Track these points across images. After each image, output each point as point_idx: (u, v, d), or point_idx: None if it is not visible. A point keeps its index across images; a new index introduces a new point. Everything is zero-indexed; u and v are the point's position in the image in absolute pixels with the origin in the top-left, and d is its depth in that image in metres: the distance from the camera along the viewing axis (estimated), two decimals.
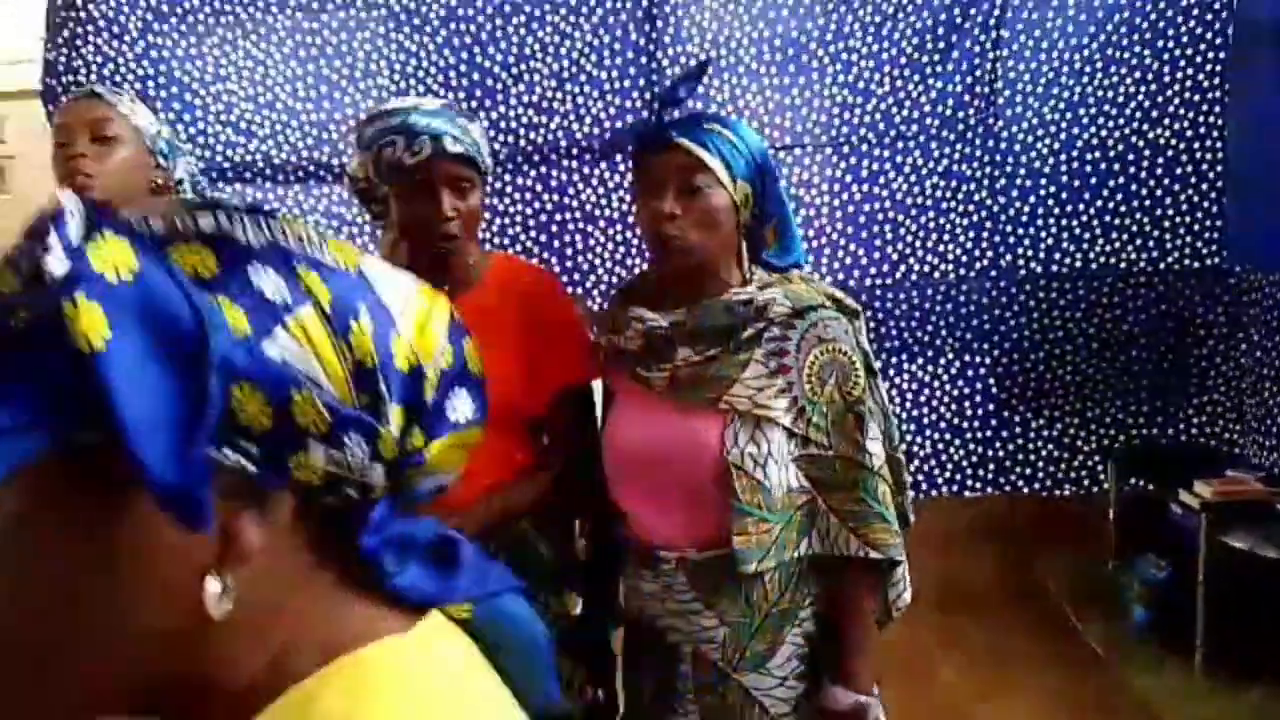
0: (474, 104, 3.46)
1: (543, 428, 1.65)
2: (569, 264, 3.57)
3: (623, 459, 1.51)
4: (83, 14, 3.37)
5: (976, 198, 3.52)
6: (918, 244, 3.58)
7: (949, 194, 3.54)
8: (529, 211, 3.56)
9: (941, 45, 3.46)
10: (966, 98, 3.48)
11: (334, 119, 3.44)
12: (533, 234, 3.56)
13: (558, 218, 3.56)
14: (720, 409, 1.40)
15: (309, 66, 3.44)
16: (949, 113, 3.49)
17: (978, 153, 3.50)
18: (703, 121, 1.44)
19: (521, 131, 3.51)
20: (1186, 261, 3.50)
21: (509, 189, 3.54)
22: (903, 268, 3.60)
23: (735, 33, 3.49)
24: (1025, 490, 3.59)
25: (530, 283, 1.64)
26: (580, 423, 1.64)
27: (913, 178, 3.55)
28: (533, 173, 3.53)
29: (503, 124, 3.50)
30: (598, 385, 1.67)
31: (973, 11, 3.42)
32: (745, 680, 1.43)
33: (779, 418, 1.39)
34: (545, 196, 3.55)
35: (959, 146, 3.51)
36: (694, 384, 1.42)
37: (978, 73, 3.45)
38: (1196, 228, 3.49)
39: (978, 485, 3.61)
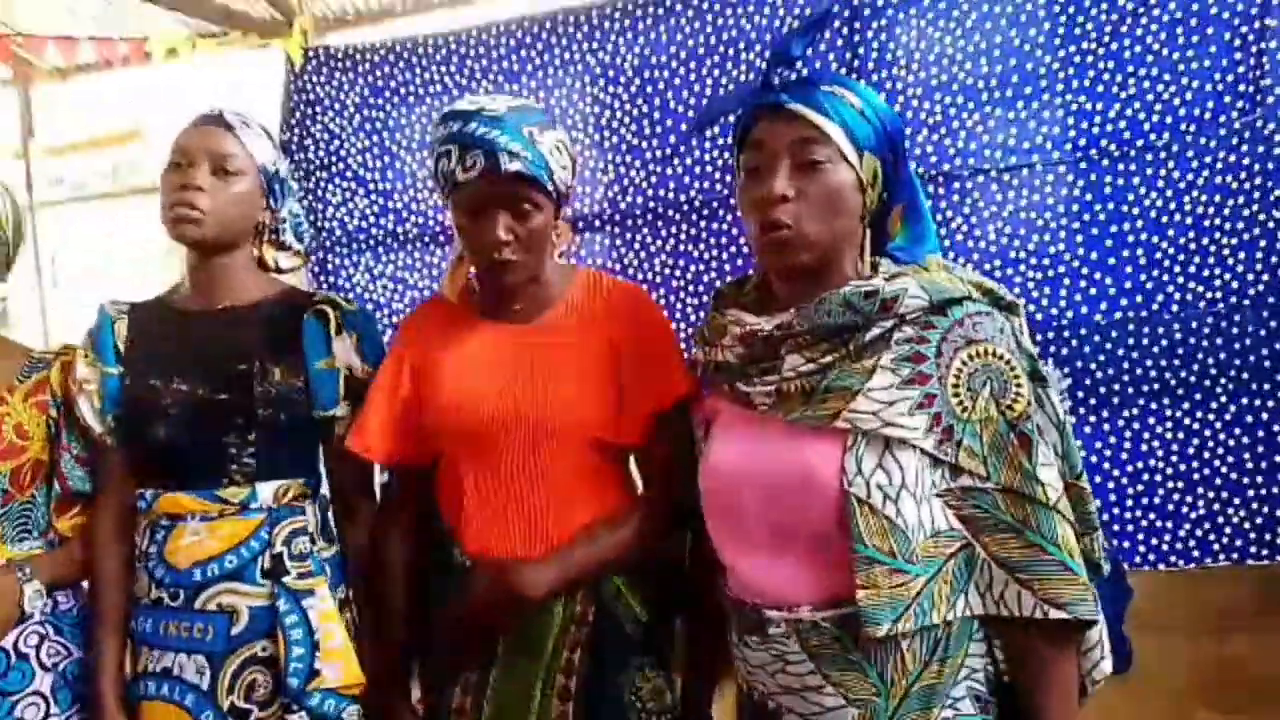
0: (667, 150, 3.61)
1: (640, 462, 1.53)
2: None
3: (717, 495, 1.35)
4: (310, 95, 3.85)
5: (1246, 213, 3.20)
6: (1177, 269, 3.31)
7: (1212, 210, 3.25)
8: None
9: (1195, 39, 3.21)
10: (1228, 98, 3.19)
11: None
12: None
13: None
14: (839, 428, 1.21)
15: None
16: (1208, 116, 3.22)
17: (1245, 160, 3.19)
18: (821, 83, 1.26)
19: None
20: None
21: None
22: (1160, 296, 3.33)
23: (947, 48, 3.41)
24: None
25: (616, 298, 1.54)
26: (681, 452, 1.49)
27: (1168, 193, 3.29)
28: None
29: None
30: None
31: None
32: None
33: (916, 439, 1.18)
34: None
35: (1222, 155, 3.21)
36: (806, 399, 1.23)
37: (1240, 68, 3.16)
38: None
39: (1264, 552, 3.25)
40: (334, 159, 3.86)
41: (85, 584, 1.79)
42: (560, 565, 1.45)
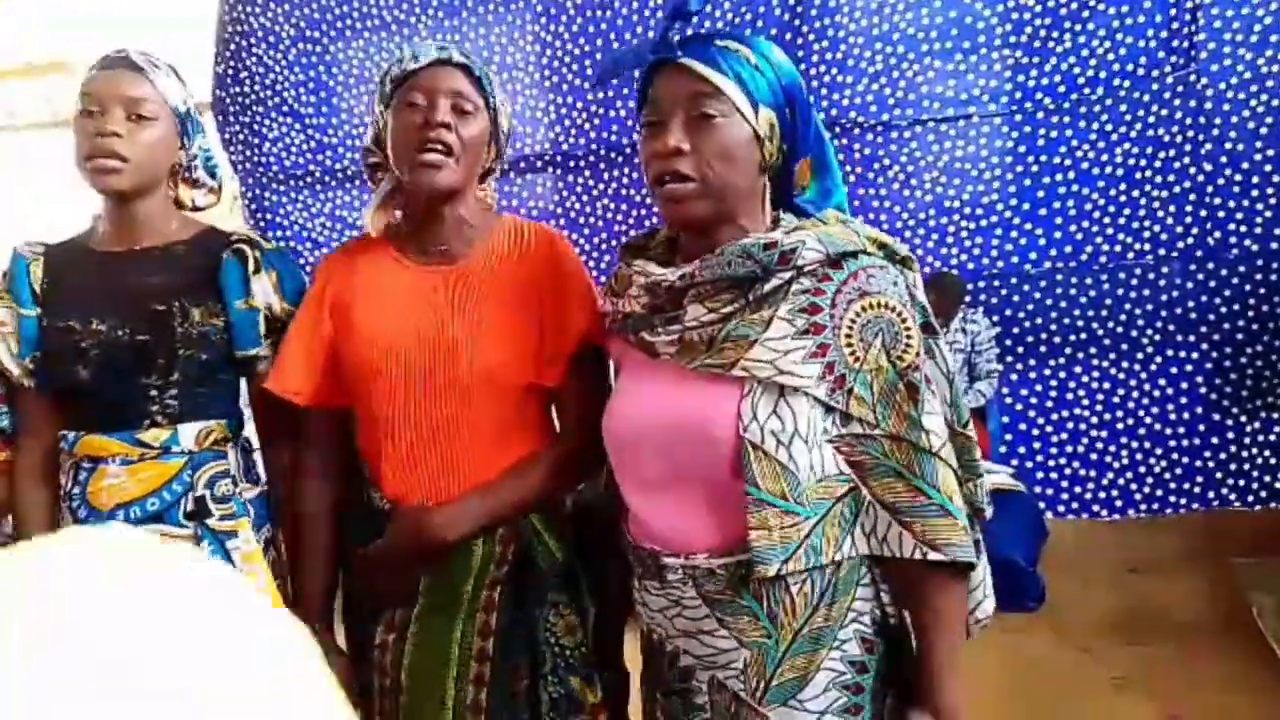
0: (610, 92, 3.62)
1: (559, 402, 1.56)
2: None
3: (620, 441, 1.38)
4: (245, 27, 3.80)
5: (1177, 166, 3.29)
6: (1106, 220, 3.40)
7: (1144, 162, 3.33)
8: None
9: None
10: (1161, 53, 3.27)
11: None
12: None
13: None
14: (736, 376, 1.24)
15: None
16: (1141, 71, 3.29)
17: (1177, 114, 3.27)
18: (716, 39, 1.27)
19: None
20: None
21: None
22: (1089, 248, 3.43)
23: None
24: (1237, 504, 3.32)
25: (534, 241, 1.56)
26: (600, 391, 1.51)
27: (1100, 145, 3.38)
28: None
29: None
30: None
31: None
32: (773, 715, 1.28)
33: (809, 387, 1.22)
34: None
35: (1155, 108, 3.30)
36: (707, 348, 1.27)
37: (1175, 23, 3.24)
38: None
39: (1181, 501, 3.37)
40: (269, 93, 3.82)
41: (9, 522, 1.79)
42: (478, 505, 1.47)
